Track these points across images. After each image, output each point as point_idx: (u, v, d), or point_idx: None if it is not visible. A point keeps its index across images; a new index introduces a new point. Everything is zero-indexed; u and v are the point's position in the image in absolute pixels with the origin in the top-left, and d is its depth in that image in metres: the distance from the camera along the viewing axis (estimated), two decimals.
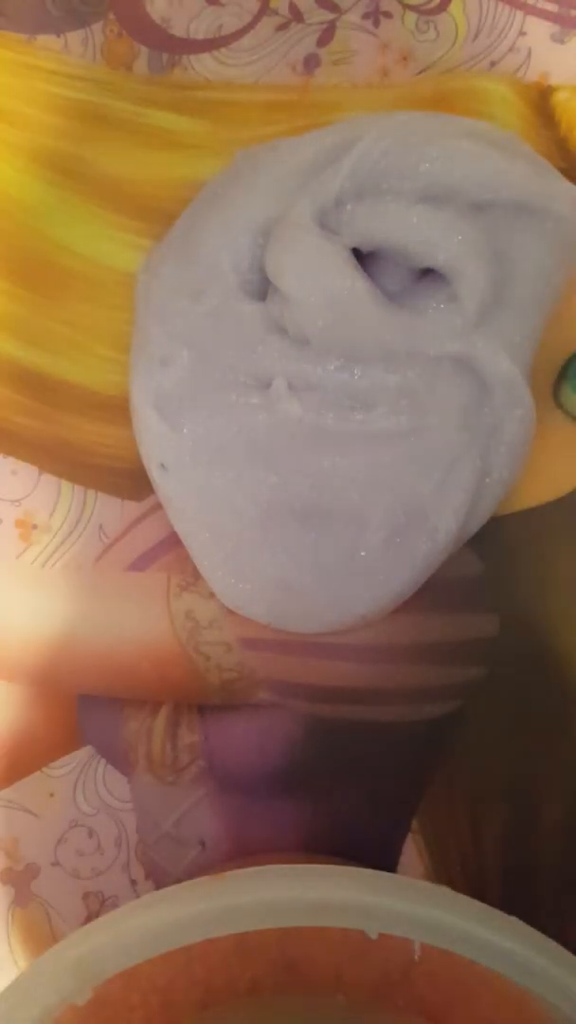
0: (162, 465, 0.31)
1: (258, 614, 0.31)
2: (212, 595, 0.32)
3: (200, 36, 0.34)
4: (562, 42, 0.33)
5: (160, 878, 0.33)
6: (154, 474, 0.31)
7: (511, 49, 0.34)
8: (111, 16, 0.34)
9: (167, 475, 0.31)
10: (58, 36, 0.34)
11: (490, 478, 0.30)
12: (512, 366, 0.29)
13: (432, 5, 0.34)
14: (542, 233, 0.30)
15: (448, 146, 0.29)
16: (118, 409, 0.33)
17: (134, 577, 0.33)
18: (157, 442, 0.31)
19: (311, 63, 0.34)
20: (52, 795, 0.33)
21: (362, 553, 0.30)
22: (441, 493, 0.30)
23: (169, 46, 0.34)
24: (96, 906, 0.33)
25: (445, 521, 0.30)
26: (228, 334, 0.30)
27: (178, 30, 0.34)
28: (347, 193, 0.30)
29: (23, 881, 0.33)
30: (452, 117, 0.32)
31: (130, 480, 0.33)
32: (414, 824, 0.32)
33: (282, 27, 0.34)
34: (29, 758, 0.33)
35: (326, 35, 0.34)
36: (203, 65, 0.34)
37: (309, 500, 0.30)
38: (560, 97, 0.33)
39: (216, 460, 0.30)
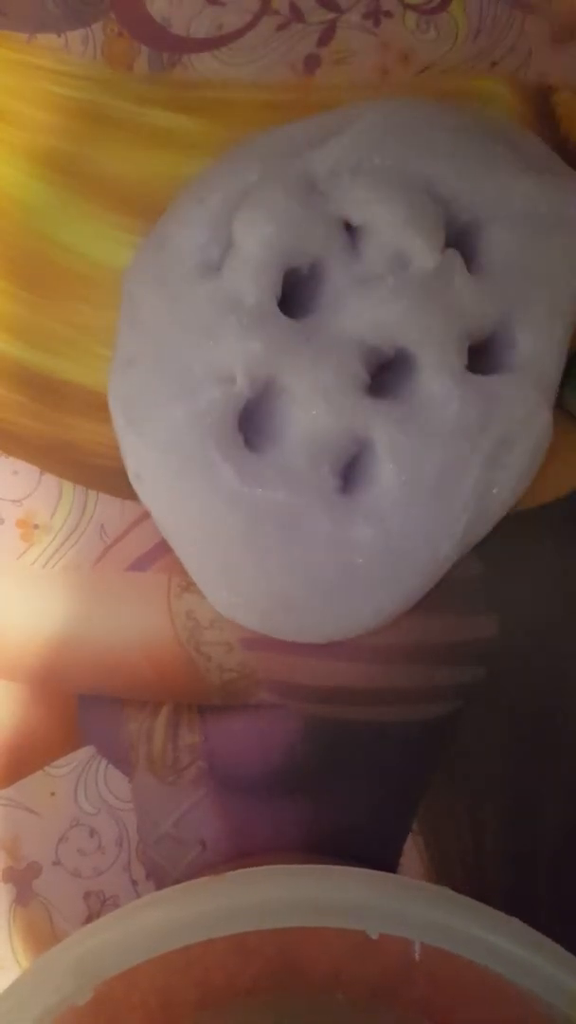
0: (137, 475, 0.30)
1: (254, 625, 0.31)
2: None
3: (200, 35, 0.34)
4: (562, 42, 0.33)
5: (161, 878, 0.33)
6: (134, 485, 0.31)
7: (511, 49, 0.33)
8: (111, 15, 0.34)
9: (143, 486, 0.30)
10: (58, 35, 0.34)
11: (495, 490, 0.30)
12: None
13: (432, 5, 0.33)
14: (554, 238, 0.29)
15: (452, 150, 0.28)
16: None
17: (135, 577, 0.33)
18: (128, 451, 0.30)
19: (311, 63, 0.34)
20: (53, 794, 0.33)
21: (359, 560, 0.29)
22: (441, 502, 0.29)
23: (169, 45, 0.34)
24: (97, 906, 0.33)
25: (445, 535, 0.29)
26: (185, 322, 0.29)
27: (178, 29, 0.34)
28: (343, 165, 0.28)
29: (24, 880, 0.33)
30: (456, 108, 0.31)
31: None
32: (414, 824, 0.32)
33: (282, 27, 0.34)
34: (29, 758, 0.33)
35: (326, 35, 0.34)
36: (203, 64, 0.34)
37: (296, 513, 0.29)
38: (560, 97, 0.33)
39: (188, 469, 0.29)
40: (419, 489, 0.29)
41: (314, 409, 0.29)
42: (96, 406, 0.33)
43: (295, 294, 0.30)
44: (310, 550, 0.29)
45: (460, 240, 0.30)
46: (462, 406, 0.29)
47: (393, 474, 0.29)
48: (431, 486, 0.29)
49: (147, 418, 0.30)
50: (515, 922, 0.27)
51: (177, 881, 0.28)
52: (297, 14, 0.34)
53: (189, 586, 0.32)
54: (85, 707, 0.33)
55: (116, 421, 0.30)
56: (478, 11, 0.33)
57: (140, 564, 0.33)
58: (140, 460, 0.30)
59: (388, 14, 0.34)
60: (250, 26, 0.34)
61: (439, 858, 0.32)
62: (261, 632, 0.31)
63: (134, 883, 0.33)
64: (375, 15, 0.34)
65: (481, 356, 0.30)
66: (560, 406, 0.32)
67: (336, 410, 0.29)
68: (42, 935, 0.33)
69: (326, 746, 0.32)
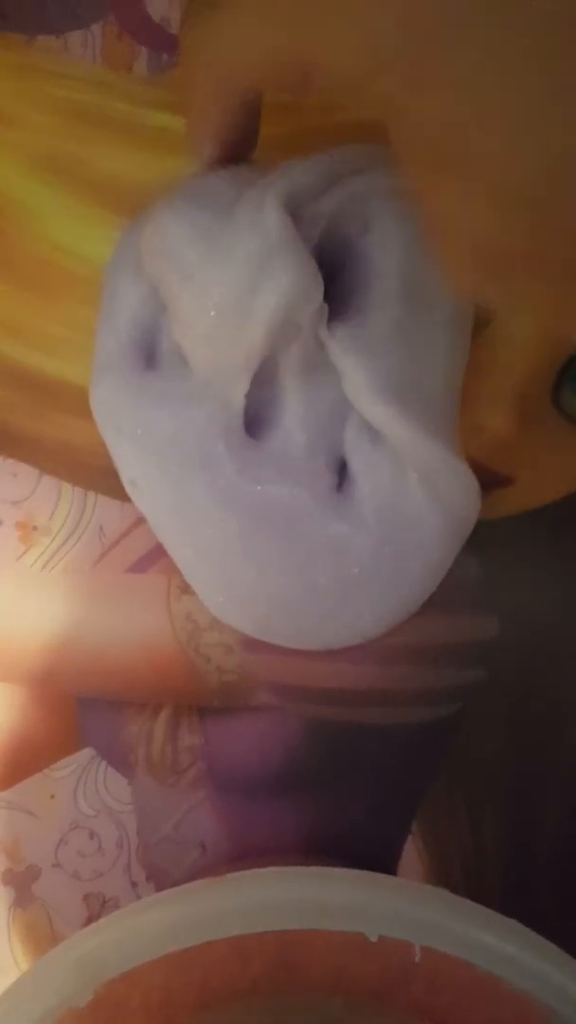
0: (132, 481, 0.29)
1: (250, 630, 0.31)
2: None
3: None
4: None
5: (161, 880, 0.33)
6: (128, 492, 0.30)
7: None
8: (111, 17, 0.34)
9: (138, 492, 0.29)
10: (58, 37, 0.34)
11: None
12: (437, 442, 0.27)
13: None
14: None
15: None
16: None
17: (134, 579, 0.33)
18: (119, 458, 0.29)
19: None
20: (53, 797, 0.33)
21: (355, 570, 0.29)
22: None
23: (169, 46, 0.34)
24: (97, 907, 0.33)
25: (441, 539, 0.29)
26: (169, 318, 0.28)
27: (178, 30, 0.34)
28: (324, 180, 0.27)
29: (24, 882, 0.33)
30: None
31: None
32: (414, 825, 0.32)
33: None
34: (29, 760, 0.33)
35: None
36: None
37: (293, 511, 0.28)
38: None
39: (184, 473, 0.28)
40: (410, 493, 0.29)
41: (306, 407, 0.29)
42: None
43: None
44: (308, 553, 0.29)
45: None
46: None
47: (388, 480, 0.29)
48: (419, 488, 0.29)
49: (135, 422, 0.29)
50: (514, 924, 0.27)
51: (177, 883, 0.28)
52: None
53: (188, 588, 0.32)
54: (85, 709, 0.33)
55: (103, 429, 0.30)
56: None
57: (139, 566, 0.33)
58: (133, 466, 0.29)
59: None
60: None
61: (439, 859, 0.32)
62: (258, 638, 0.31)
63: (134, 885, 0.33)
64: None
65: None
66: (559, 407, 0.32)
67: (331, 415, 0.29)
68: (42, 937, 0.33)
69: (326, 748, 0.32)
